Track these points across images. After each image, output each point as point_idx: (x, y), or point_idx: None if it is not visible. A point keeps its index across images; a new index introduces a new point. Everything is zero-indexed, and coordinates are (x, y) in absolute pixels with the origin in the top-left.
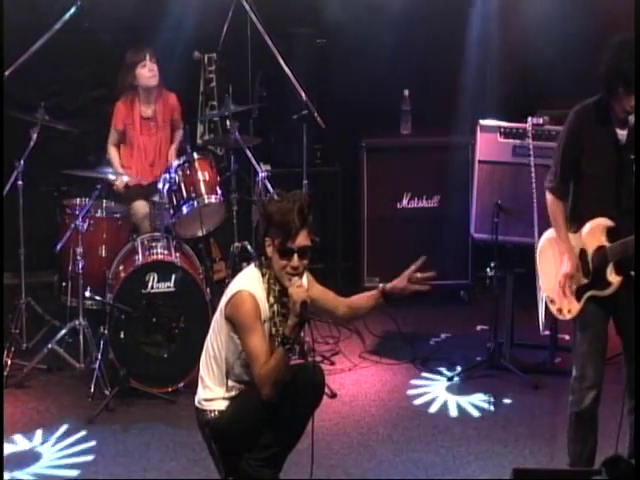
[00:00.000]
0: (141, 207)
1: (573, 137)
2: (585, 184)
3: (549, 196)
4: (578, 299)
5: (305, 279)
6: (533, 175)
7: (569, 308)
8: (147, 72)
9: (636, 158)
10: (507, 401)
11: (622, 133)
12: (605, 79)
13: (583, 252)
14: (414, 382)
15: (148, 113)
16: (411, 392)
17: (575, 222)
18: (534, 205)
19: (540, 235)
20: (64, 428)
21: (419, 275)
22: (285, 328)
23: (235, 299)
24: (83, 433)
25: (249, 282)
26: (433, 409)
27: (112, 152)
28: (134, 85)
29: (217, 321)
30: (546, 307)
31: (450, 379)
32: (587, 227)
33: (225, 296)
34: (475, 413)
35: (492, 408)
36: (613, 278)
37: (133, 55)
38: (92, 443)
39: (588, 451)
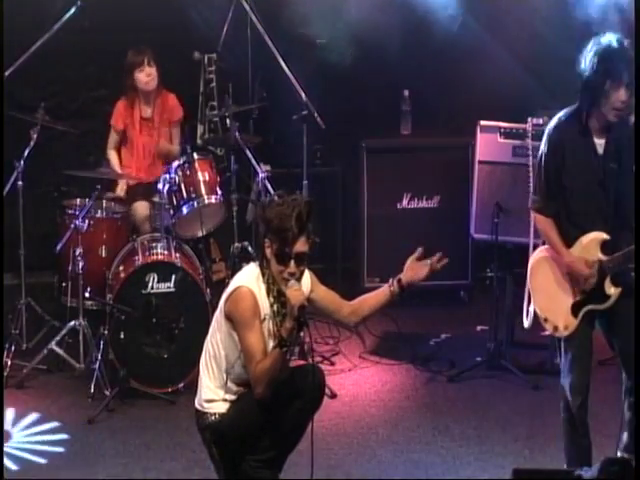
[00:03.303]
0: (142, 208)
1: (554, 153)
2: (568, 199)
3: (537, 216)
4: (574, 315)
5: (308, 279)
6: (531, 175)
7: (565, 325)
8: (144, 77)
9: (636, 159)
10: (507, 401)
11: (600, 143)
12: (590, 80)
13: None
14: None
15: (148, 113)
16: None
17: (564, 237)
18: None
19: (536, 236)
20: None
21: (439, 265)
22: (282, 330)
23: (234, 295)
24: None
25: (249, 279)
26: None
27: (112, 156)
28: (134, 86)
29: (217, 319)
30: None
31: (450, 379)
32: (580, 243)
33: (225, 293)
34: None
35: None
36: (612, 291)
37: (132, 57)
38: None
39: (583, 454)
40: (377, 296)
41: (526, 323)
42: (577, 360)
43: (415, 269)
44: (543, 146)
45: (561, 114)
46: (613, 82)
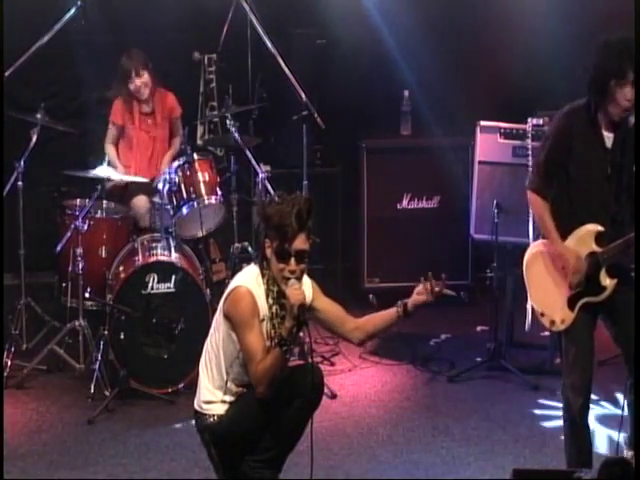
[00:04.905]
0: (142, 202)
1: (561, 138)
2: (573, 189)
3: (532, 196)
4: (571, 308)
5: (309, 286)
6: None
7: (562, 318)
8: (133, 87)
9: (636, 159)
10: (507, 401)
11: (609, 136)
12: (595, 80)
13: None
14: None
15: (147, 110)
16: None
17: (562, 228)
18: None
19: (535, 236)
20: None
21: (442, 291)
22: (282, 329)
23: (233, 295)
24: None
25: (248, 279)
26: None
27: (110, 150)
28: (128, 90)
29: (216, 320)
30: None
31: (450, 379)
32: (575, 235)
33: (224, 294)
34: None
35: None
36: (607, 282)
37: (125, 63)
38: None
39: (584, 455)
40: (384, 316)
41: (526, 326)
42: (578, 359)
43: (420, 294)
44: (550, 130)
45: (573, 103)
46: (618, 81)
